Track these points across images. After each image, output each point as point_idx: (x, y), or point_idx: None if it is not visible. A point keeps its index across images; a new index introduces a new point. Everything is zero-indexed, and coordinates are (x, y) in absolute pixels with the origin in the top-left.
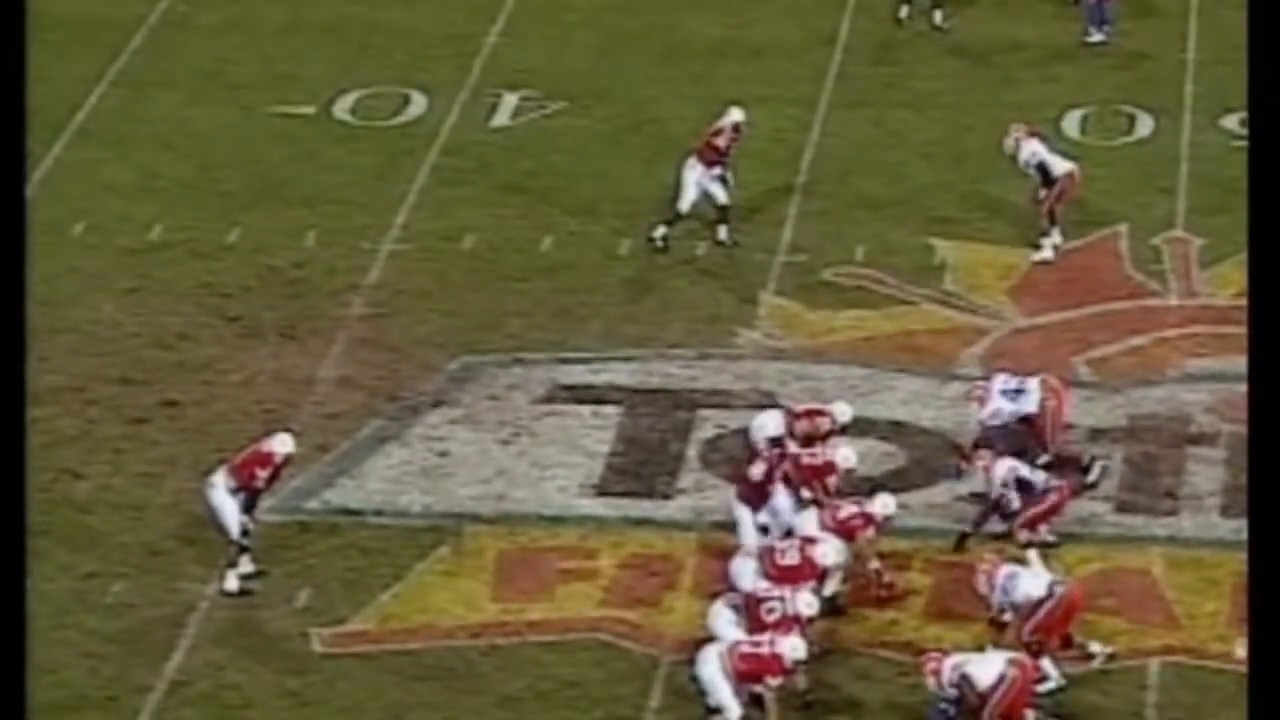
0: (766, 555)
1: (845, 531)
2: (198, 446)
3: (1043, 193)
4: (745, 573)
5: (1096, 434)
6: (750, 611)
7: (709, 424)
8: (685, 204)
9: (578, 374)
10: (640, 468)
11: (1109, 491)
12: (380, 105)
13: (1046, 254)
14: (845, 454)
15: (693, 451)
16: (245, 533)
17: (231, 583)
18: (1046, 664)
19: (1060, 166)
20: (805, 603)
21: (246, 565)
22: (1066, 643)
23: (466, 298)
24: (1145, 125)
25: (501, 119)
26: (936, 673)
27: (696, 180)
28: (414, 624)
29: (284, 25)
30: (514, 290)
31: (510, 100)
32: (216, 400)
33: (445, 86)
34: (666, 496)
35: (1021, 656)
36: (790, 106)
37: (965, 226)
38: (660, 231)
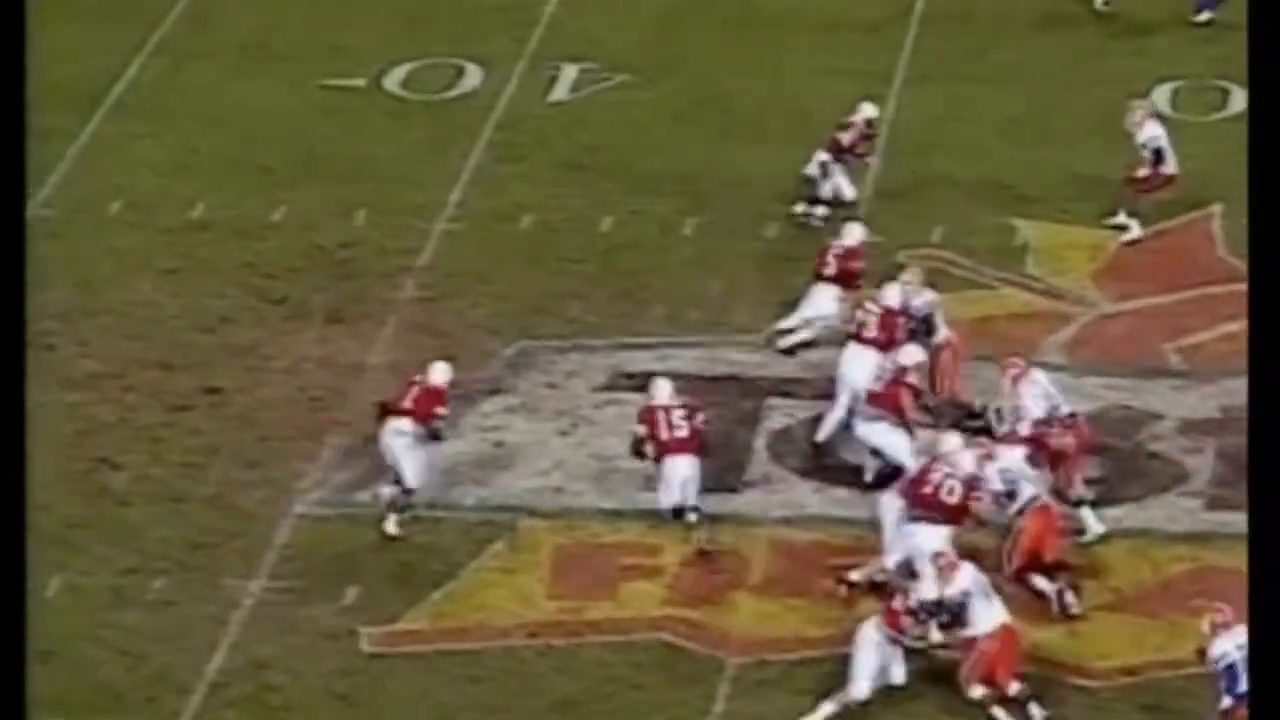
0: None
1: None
2: (241, 435)
3: (1144, 171)
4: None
5: (1188, 425)
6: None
7: (778, 413)
8: (848, 193)
9: (640, 360)
10: (706, 459)
11: (1200, 487)
12: (433, 77)
13: (1135, 233)
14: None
15: (761, 442)
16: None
17: (391, 526)
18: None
19: (1173, 163)
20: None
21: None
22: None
23: (523, 280)
24: (1239, 100)
25: (561, 92)
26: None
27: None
28: (467, 623)
29: None
30: (573, 272)
31: (570, 72)
32: (261, 387)
33: (502, 58)
34: (733, 490)
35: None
36: (863, 80)
37: (1048, 206)
38: (820, 211)
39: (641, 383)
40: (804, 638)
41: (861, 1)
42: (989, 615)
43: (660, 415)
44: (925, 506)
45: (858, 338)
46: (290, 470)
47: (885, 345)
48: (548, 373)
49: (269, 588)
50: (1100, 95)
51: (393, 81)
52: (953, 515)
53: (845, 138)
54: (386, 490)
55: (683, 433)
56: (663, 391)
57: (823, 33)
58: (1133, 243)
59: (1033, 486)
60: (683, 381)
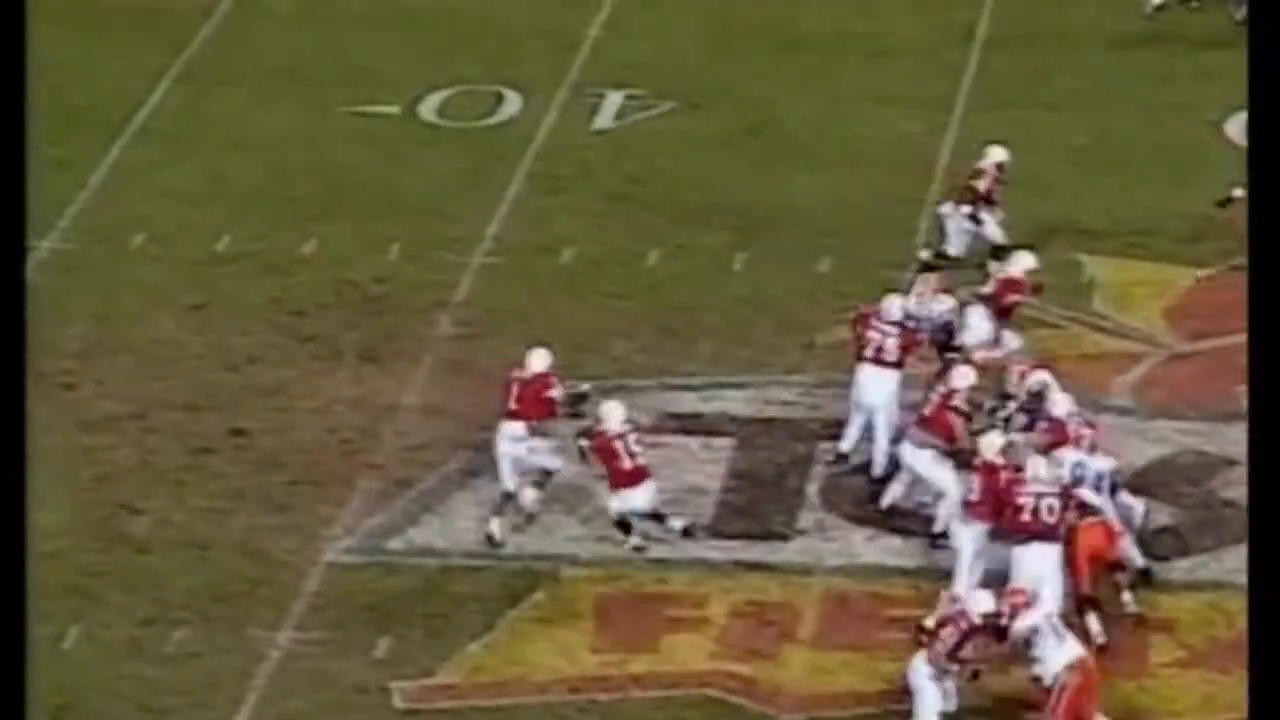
0: None
1: None
2: (268, 479)
3: None
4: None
5: None
6: None
7: (831, 457)
8: (956, 248)
9: (686, 401)
10: (755, 506)
11: None
12: (470, 104)
13: None
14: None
15: (813, 488)
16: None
17: (531, 501)
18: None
19: None
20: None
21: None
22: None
23: (565, 316)
24: None
25: (604, 120)
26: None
27: (956, 224)
28: (506, 677)
29: (364, 15)
30: (617, 308)
31: (614, 99)
32: (289, 429)
33: (542, 84)
34: (784, 538)
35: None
36: (921, 107)
37: (1116, 241)
38: (924, 254)
39: (689, 425)
40: (859, 692)
41: (919, 24)
42: (1063, 653)
43: (619, 445)
44: (1029, 532)
45: (877, 360)
46: (320, 516)
47: (902, 364)
48: (589, 414)
49: (297, 639)
50: (1169, 122)
51: (428, 109)
52: (1057, 532)
53: (981, 185)
54: (529, 493)
55: (642, 460)
56: (616, 417)
57: (878, 57)
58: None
59: (1094, 494)
60: (733, 423)
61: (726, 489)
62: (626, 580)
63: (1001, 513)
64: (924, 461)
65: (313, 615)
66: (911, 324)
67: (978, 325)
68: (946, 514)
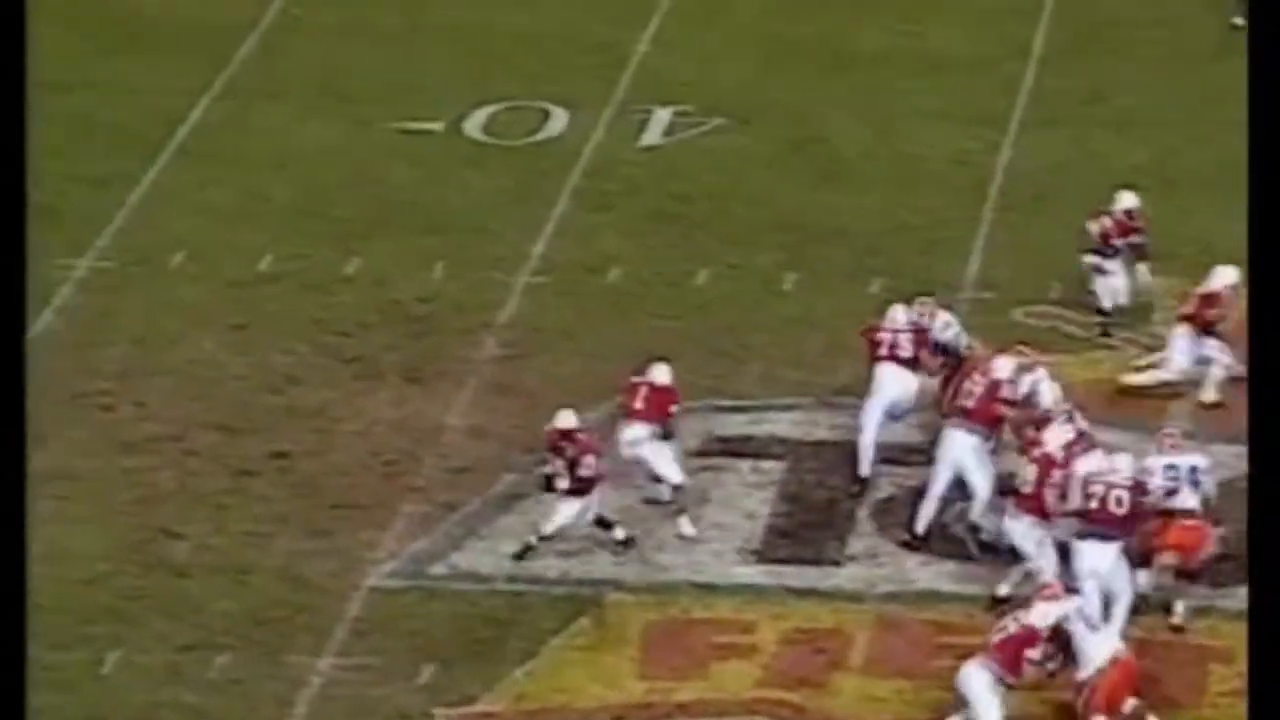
0: None
1: None
2: (309, 502)
3: None
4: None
5: None
6: None
7: (883, 481)
8: (1106, 301)
9: (735, 424)
10: (805, 530)
11: None
12: (516, 121)
13: None
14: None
15: (864, 512)
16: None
17: (687, 528)
18: None
19: None
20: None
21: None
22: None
23: (611, 337)
24: None
25: (652, 137)
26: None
27: (1094, 270)
28: (550, 704)
29: (408, 31)
30: (664, 329)
31: (662, 116)
32: (331, 451)
33: (589, 100)
34: (835, 564)
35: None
36: (975, 125)
37: (1175, 261)
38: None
39: (738, 447)
40: None
41: (973, 39)
42: (1099, 648)
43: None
44: (1094, 523)
45: (892, 357)
46: (362, 540)
47: (916, 363)
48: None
49: (339, 665)
50: (1228, 140)
51: (473, 125)
52: (1124, 527)
53: (1094, 228)
54: (665, 490)
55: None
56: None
57: (931, 73)
58: None
59: (1193, 495)
60: (783, 446)
61: (776, 513)
62: (674, 606)
63: (1050, 508)
64: (969, 451)
65: (354, 641)
66: (923, 329)
67: (1182, 346)
68: (979, 512)
